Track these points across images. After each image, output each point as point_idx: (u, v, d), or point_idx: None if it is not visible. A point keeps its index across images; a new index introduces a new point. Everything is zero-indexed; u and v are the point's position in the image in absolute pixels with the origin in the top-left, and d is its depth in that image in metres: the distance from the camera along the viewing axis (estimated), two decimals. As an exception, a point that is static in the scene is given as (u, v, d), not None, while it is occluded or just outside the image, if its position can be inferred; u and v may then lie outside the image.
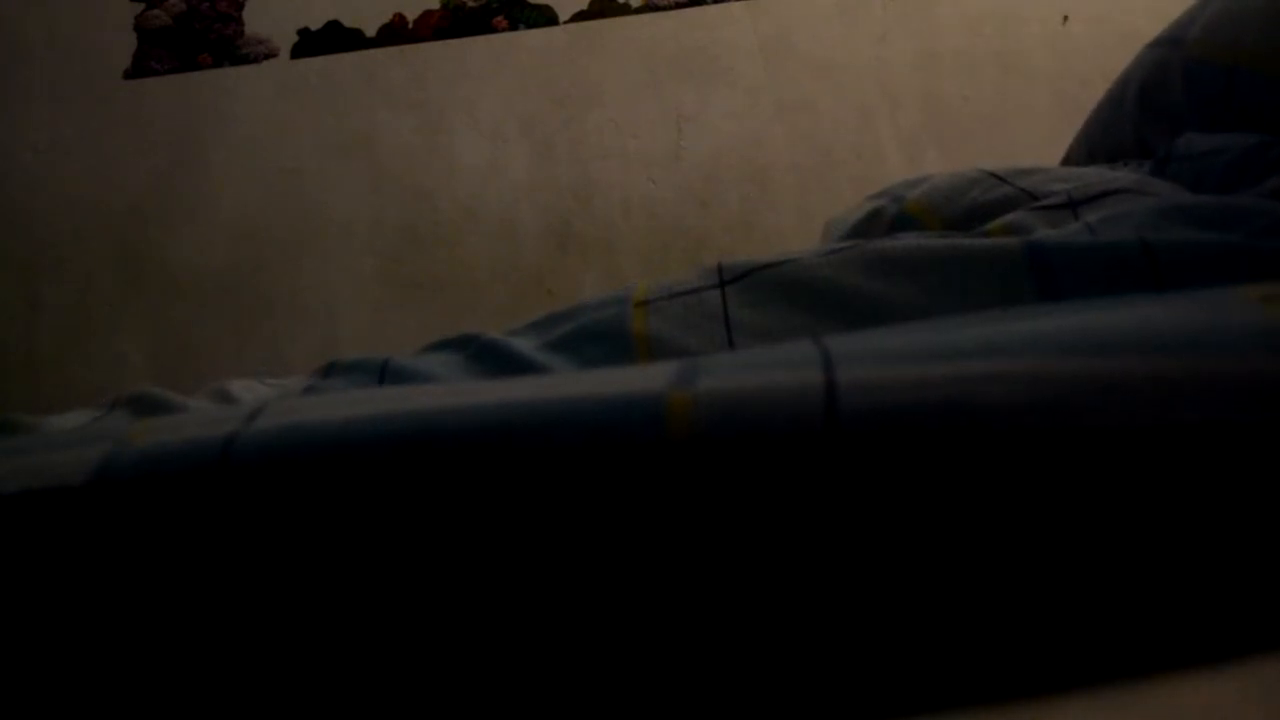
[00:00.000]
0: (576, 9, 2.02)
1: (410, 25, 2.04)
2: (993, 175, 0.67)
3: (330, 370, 0.59)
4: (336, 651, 0.30)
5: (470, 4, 2.03)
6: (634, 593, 0.29)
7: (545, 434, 0.30)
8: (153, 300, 1.96)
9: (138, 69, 2.06)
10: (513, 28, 2.02)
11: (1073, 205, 0.57)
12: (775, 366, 0.32)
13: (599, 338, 0.54)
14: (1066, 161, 1.02)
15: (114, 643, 0.30)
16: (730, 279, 0.54)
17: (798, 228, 1.83)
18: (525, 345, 0.56)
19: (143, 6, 2.08)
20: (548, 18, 2.02)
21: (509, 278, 1.91)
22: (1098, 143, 0.93)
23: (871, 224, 0.71)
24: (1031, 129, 1.82)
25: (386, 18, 2.05)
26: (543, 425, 0.30)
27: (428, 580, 0.30)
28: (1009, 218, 0.57)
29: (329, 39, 2.04)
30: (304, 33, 2.05)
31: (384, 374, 0.56)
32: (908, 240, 0.54)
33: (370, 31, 2.04)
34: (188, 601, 0.30)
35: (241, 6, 2.07)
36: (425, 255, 1.94)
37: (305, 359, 1.90)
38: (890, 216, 0.69)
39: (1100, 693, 0.30)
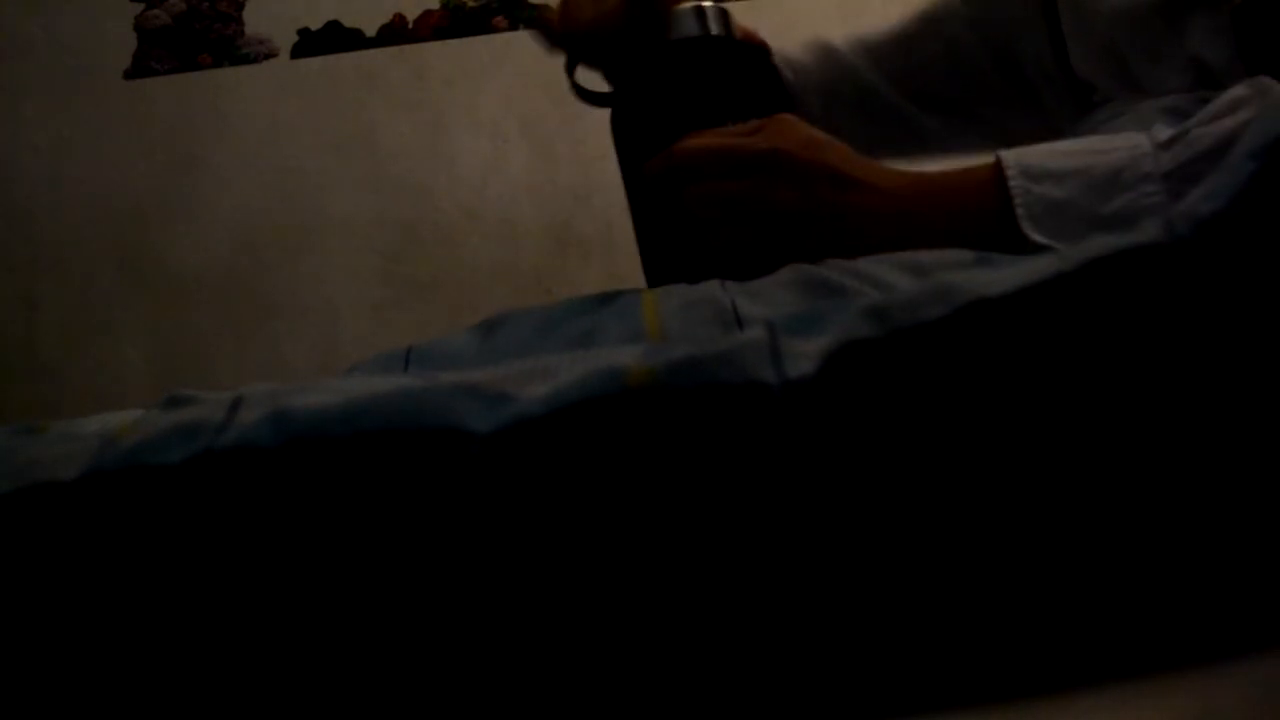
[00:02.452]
0: (576, 9, 2.02)
1: (410, 25, 2.04)
2: None
3: (353, 370, 0.60)
4: (325, 640, 0.30)
5: (470, 4, 2.03)
6: (592, 547, 0.30)
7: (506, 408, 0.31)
8: (153, 300, 1.96)
9: (138, 69, 2.06)
10: (513, 28, 2.02)
11: None
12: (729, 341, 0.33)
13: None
14: None
15: (109, 635, 0.30)
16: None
17: (798, 227, 1.82)
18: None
19: (143, 6, 2.08)
20: (548, 17, 2.02)
21: (509, 278, 1.90)
22: None
23: None
24: (1032, 129, 1.82)
25: (386, 18, 2.04)
26: (498, 402, 0.31)
27: (416, 546, 0.30)
28: None
29: (329, 39, 2.04)
30: (304, 33, 2.05)
31: (408, 360, 0.57)
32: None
33: (370, 31, 2.04)
34: (180, 592, 0.30)
35: (241, 6, 2.07)
36: (425, 255, 1.94)
37: (305, 359, 1.90)
38: None
39: (1099, 692, 0.30)
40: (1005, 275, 0.32)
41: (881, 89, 0.90)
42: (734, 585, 0.31)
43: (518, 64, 2.00)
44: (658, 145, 0.63)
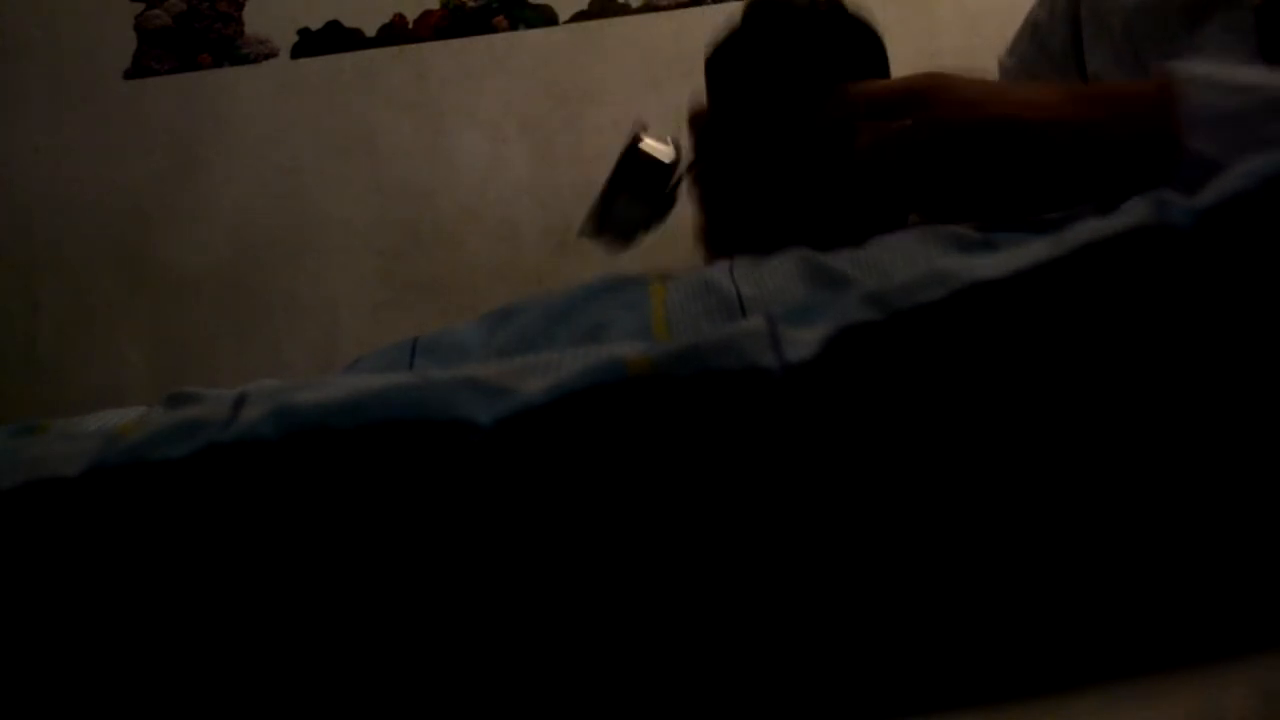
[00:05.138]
0: (576, 9, 2.02)
1: (410, 25, 2.04)
2: None
3: (357, 363, 0.60)
4: (328, 635, 0.30)
5: (470, 4, 2.03)
6: (595, 533, 0.30)
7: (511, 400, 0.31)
8: (153, 300, 1.96)
9: (138, 69, 2.06)
10: (513, 28, 2.02)
11: None
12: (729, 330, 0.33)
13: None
14: None
15: (113, 630, 0.30)
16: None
17: (798, 228, 1.82)
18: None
19: (143, 6, 2.08)
20: (547, 18, 2.02)
21: (509, 278, 1.90)
22: None
23: None
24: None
25: (386, 18, 2.04)
26: (498, 393, 0.32)
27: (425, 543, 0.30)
28: None
29: (329, 39, 2.04)
30: (304, 33, 2.05)
31: (414, 351, 0.57)
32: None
33: (370, 31, 2.04)
34: (184, 586, 0.30)
35: (241, 6, 2.07)
36: (425, 255, 1.94)
37: (305, 359, 1.90)
38: None
39: (1099, 692, 0.30)
40: (1002, 259, 0.32)
41: None
42: (736, 570, 0.31)
43: (518, 64, 2.00)
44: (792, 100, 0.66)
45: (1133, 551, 0.31)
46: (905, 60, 1.49)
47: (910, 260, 0.52)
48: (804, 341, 0.32)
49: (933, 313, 0.31)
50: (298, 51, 2.05)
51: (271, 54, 2.05)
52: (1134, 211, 0.33)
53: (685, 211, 0.76)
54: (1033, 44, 0.91)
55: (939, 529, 0.31)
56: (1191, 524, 0.31)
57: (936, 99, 0.60)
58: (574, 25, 2.01)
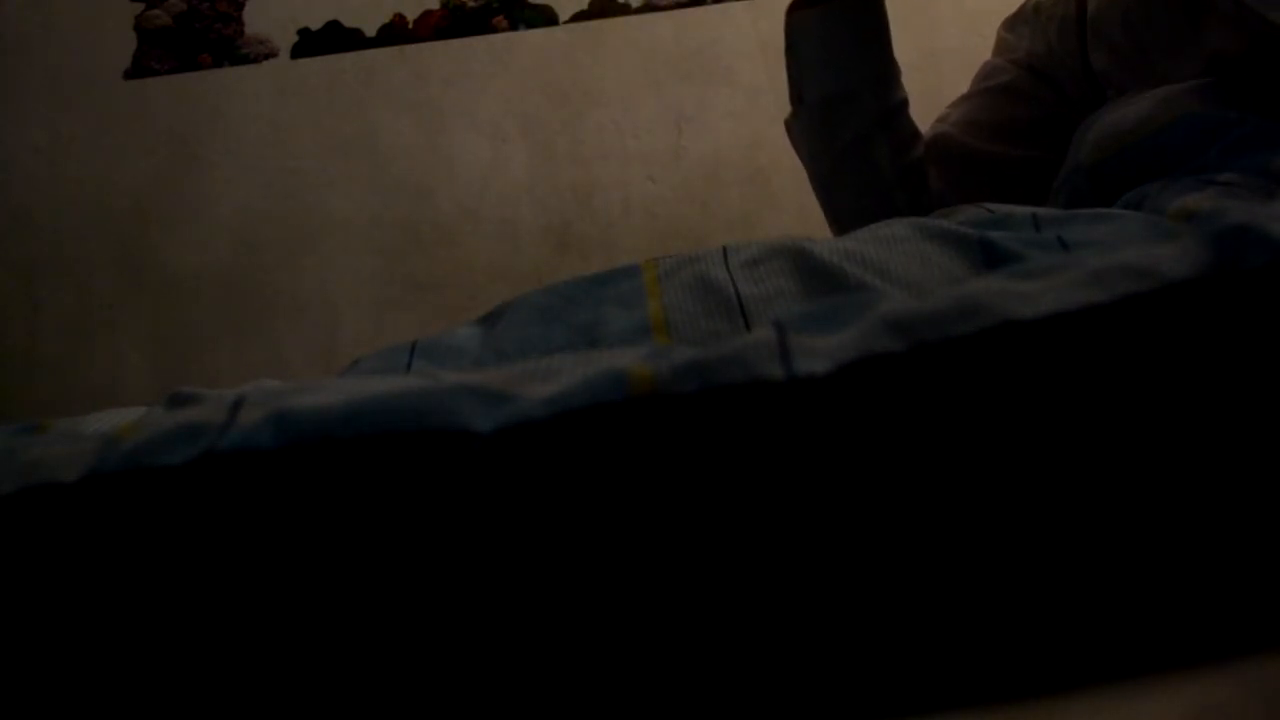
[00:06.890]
0: (576, 9, 2.02)
1: (410, 25, 2.04)
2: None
3: (355, 364, 0.60)
4: (323, 642, 0.30)
5: (470, 4, 2.03)
6: (591, 551, 0.30)
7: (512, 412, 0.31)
8: (153, 300, 1.96)
9: (138, 69, 2.06)
10: (513, 28, 2.02)
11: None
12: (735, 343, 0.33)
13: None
14: None
15: (110, 637, 0.30)
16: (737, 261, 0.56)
17: (798, 228, 1.82)
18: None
19: (143, 6, 2.08)
20: (547, 18, 2.02)
21: (509, 278, 1.90)
22: None
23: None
24: (1032, 129, 1.81)
25: (386, 18, 2.04)
26: (496, 402, 0.31)
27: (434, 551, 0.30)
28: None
29: (329, 39, 2.04)
30: (304, 33, 2.05)
31: (413, 353, 0.57)
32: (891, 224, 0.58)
33: (370, 31, 2.04)
34: (181, 594, 0.30)
35: (241, 6, 2.07)
36: (425, 255, 1.94)
37: (305, 359, 1.90)
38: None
39: (1099, 692, 0.30)
40: (1035, 292, 0.31)
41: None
42: (734, 588, 0.31)
43: (518, 64, 2.00)
44: None
45: (1136, 556, 0.31)
46: (905, 60, 1.50)
47: (908, 259, 0.52)
48: (817, 353, 0.31)
49: (960, 349, 0.30)
50: (298, 51, 2.05)
51: (271, 54, 2.05)
52: (1184, 248, 0.31)
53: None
54: (1034, 25, 0.92)
55: (940, 544, 0.31)
56: (1191, 526, 0.31)
57: None
58: (574, 25, 2.01)
